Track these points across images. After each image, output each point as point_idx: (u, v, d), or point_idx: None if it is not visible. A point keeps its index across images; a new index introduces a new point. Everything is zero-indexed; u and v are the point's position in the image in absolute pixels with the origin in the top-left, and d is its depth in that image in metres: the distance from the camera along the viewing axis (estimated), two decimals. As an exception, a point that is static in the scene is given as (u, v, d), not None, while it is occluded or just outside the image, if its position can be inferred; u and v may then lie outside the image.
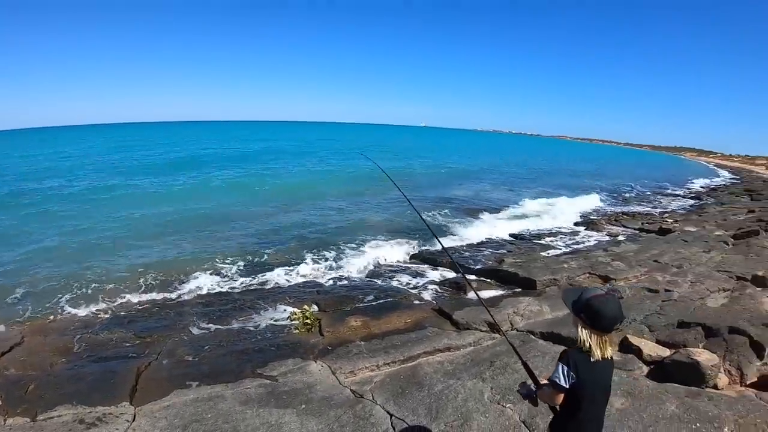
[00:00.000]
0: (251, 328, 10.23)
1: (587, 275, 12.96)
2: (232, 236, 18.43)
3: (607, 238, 21.04)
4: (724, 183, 63.71)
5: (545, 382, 3.56)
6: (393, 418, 5.86)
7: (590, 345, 3.27)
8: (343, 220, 22.00)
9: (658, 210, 32.11)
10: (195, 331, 10.09)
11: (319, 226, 20.68)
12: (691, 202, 38.89)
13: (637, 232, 22.39)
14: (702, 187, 54.51)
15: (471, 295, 11.85)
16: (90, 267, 14.35)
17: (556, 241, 20.11)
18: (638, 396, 6.20)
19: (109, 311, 11.33)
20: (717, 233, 20.56)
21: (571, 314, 3.46)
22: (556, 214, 26.86)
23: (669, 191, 46.80)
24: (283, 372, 7.52)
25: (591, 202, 33.60)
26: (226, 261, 15.11)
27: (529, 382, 3.76)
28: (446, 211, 25.73)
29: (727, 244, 18.04)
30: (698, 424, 5.50)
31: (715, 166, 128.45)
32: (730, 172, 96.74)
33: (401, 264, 15.49)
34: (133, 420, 6.08)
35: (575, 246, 19.07)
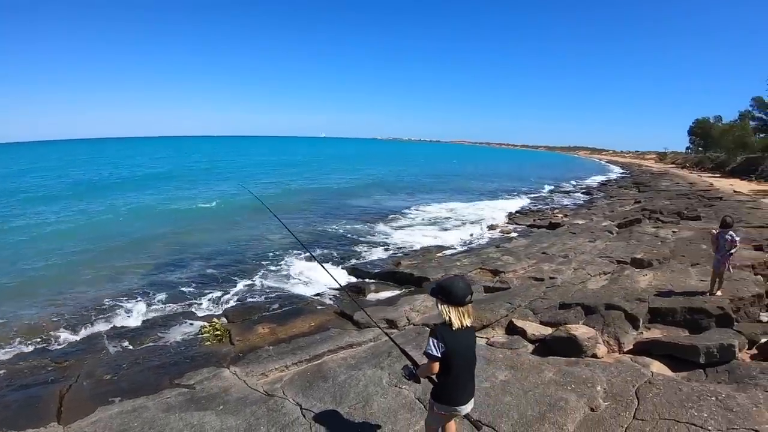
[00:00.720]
0: (165, 345, 10.55)
1: (479, 270, 13.99)
2: (133, 263, 18.23)
3: (501, 235, 22.39)
4: (614, 178, 67.74)
5: (425, 372, 4.34)
6: (302, 408, 6.39)
7: (450, 317, 4.09)
8: (243, 240, 22.13)
9: (551, 206, 34.10)
10: (111, 351, 10.31)
11: (219, 246, 20.78)
12: (583, 197, 41.46)
13: (529, 228, 23.94)
14: (593, 182, 57.87)
15: (370, 296, 12.66)
16: None
17: (452, 241, 21.12)
18: (520, 368, 7.04)
19: (24, 342, 11.21)
20: (603, 224, 22.35)
21: (434, 300, 4.29)
22: (453, 217, 28.16)
23: (562, 189, 49.64)
24: (200, 380, 7.85)
25: (487, 203, 35.33)
26: (133, 286, 15.12)
27: (410, 364, 4.54)
28: (345, 221, 26.37)
29: (612, 233, 19.67)
30: (573, 385, 6.38)
31: (607, 162, 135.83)
32: (621, 167, 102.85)
33: (304, 274, 15.90)
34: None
35: (470, 245, 20.21)
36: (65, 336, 11.49)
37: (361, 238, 21.89)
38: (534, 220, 25.98)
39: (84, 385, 8.55)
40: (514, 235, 22.07)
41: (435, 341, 4.11)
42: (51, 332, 11.75)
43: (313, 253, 10.92)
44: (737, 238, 9.86)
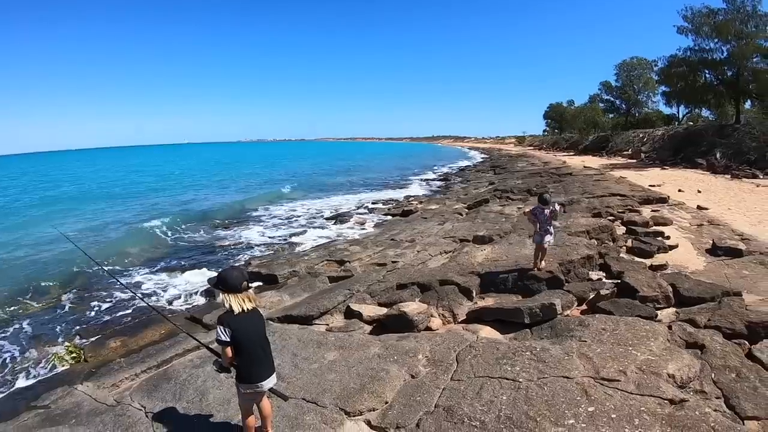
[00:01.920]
0: (21, 372, 10.44)
1: (325, 262, 14.34)
2: None
3: (355, 227, 22.91)
4: (473, 163, 70.60)
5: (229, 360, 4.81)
6: (145, 410, 6.66)
7: (230, 304, 4.66)
8: (64, 258, 21.35)
9: (407, 195, 35.02)
10: None
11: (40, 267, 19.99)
12: (440, 183, 43.07)
13: (384, 217, 24.62)
14: (452, 169, 60.09)
15: (220, 298, 12.74)
16: None
17: (304, 238, 21.40)
18: (348, 348, 7.51)
19: None
20: (455, 207, 23.41)
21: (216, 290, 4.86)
22: (308, 214, 28.55)
23: (420, 177, 51.27)
24: (54, 399, 7.89)
25: (344, 197, 36.02)
26: None
27: (218, 358, 5.01)
28: (201, 229, 26.08)
29: (461, 215, 20.70)
30: (396, 357, 6.90)
31: (468, 148, 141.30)
32: (481, 152, 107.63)
33: (156, 285, 15.71)
34: None
35: (322, 240, 20.50)
36: None
37: (216, 243, 21.82)
38: (389, 209, 26.74)
39: None
40: (368, 225, 22.68)
41: (221, 328, 4.66)
42: None
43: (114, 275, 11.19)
44: (557, 207, 10.21)
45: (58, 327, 13.15)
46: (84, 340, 11.67)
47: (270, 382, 4.90)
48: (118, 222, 30.10)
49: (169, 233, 25.02)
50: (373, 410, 5.74)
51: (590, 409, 5.04)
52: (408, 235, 16.88)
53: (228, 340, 4.62)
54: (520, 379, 5.74)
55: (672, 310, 8.60)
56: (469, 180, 41.75)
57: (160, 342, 10.24)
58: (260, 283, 13.76)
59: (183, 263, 18.15)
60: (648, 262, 11.59)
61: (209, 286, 5.08)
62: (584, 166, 39.54)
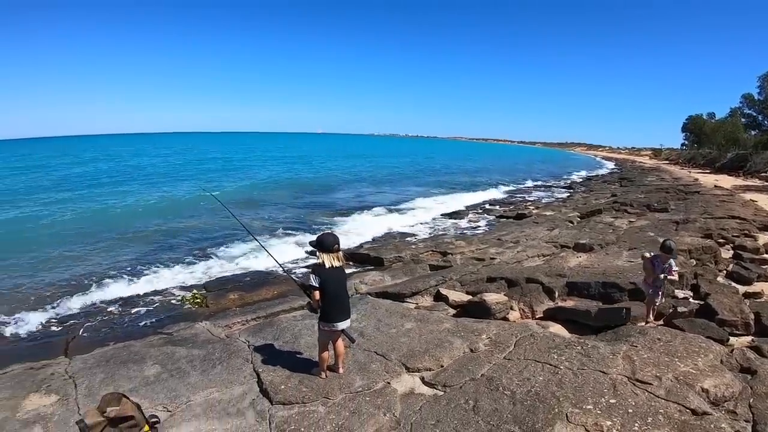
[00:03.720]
0: (154, 309, 12.72)
1: (430, 252, 15.44)
2: (113, 250, 20.00)
3: (467, 224, 23.76)
4: (603, 173, 69.11)
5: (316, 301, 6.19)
6: (249, 343, 8.13)
7: (323, 260, 6.06)
8: (215, 227, 23.80)
9: (527, 199, 35.49)
10: (105, 316, 12.35)
11: (204, 231, 22.73)
12: (563, 191, 42.83)
13: (498, 218, 25.28)
14: (580, 178, 59.19)
15: (317, 255, 14.31)
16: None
17: (418, 229, 22.67)
18: (425, 321, 8.58)
19: (38, 307, 13.27)
20: (569, 215, 23.58)
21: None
22: (428, 207, 29.61)
23: (546, 183, 50.93)
24: (176, 330, 9.59)
25: (465, 195, 36.80)
26: (127, 265, 17.21)
27: (309, 300, 6.41)
28: (330, 212, 28.33)
29: (572, 223, 21.04)
30: (463, 334, 7.88)
31: (602, 158, 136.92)
32: (614, 163, 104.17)
33: (281, 254, 17.63)
34: (69, 363, 7.91)
35: (434, 233, 21.66)
36: (72, 302, 13.44)
37: (337, 228, 23.41)
38: (504, 212, 27.41)
39: (86, 335, 10.90)
40: (481, 224, 23.51)
41: (313, 275, 6.07)
42: (60, 299, 13.69)
43: (258, 239, 12.83)
44: (676, 269, 9.00)
45: (191, 277, 15.51)
46: (208, 291, 13.72)
47: (344, 324, 6.23)
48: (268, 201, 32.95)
49: (303, 213, 27.08)
50: (429, 370, 6.73)
51: (612, 401, 5.61)
52: (514, 236, 17.56)
53: (316, 285, 6.02)
54: (561, 367, 6.45)
55: (748, 338, 8.59)
56: (592, 190, 41.27)
57: (271, 300, 11.92)
58: (369, 266, 15.21)
59: (303, 240, 19.89)
60: (743, 288, 11.41)
61: (311, 246, 6.33)
62: (715, 186, 37.69)
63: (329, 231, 6.73)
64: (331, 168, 67.02)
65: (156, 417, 5.77)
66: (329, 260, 6.12)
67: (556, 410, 5.40)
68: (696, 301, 10.25)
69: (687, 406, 5.53)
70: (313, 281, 6.08)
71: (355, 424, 5.41)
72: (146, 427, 5.49)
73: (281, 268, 8.47)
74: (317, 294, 6.12)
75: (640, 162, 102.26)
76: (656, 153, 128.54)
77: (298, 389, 6.24)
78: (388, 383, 6.37)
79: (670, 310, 9.56)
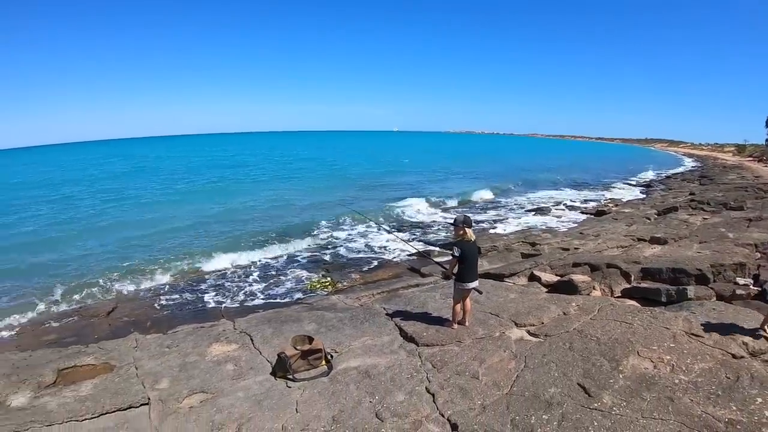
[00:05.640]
0: (293, 286, 15.63)
1: (520, 243, 17.52)
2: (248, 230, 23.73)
3: (551, 220, 25.57)
4: (683, 171, 68.34)
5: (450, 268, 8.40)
6: (384, 308, 10.41)
7: (466, 234, 8.08)
8: (332, 215, 26.86)
9: (607, 197, 36.63)
10: (253, 288, 15.52)
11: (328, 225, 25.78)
12: (642, 189, 43.52)
13: (580, 215, 26.94)
14: (659, 176, 58.98)
15: (434, 258, 16.49)
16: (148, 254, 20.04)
17: (506, 224, 24.71)
18: (525, 293, 10.83)
19: (178, 283, 16.88)
20: (647, 212, 24.92)
21: (457, 226, 8.29)
22: (515, 203, 31.59)
23: (625, 181, 51.26)
24: (315, 301, 12.12)
25: (549, 192, 38.43)
26: (256, 249, 20.55)
27: (442, 269, 8.92)
28: (427, 206, 31.22)
29: (649, 219, 22.51)
30: (557, 302, 9.99)
31: (683, 155, 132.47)
32: (695, 160, 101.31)
33: (385, 242, 20.76)
34: (234, 324, 10.41)
35: (520, 226, 23.82)
36: (216, 279, 16.87)
37: (433, 223, 26.07)
38: (585, 208, 29.06)
39: (239, 302, 14.05)
40: (563, 219, 25.32)
41: (456, 248, 8.08)
42: (199, 280, 16.90)
43: (388, 229, 15.69)
44: None
45: (319, 261, 18.31)
46: (330, 273, 16.52)
47: (474, 284, 8.32)
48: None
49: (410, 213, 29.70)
50: (533, 325, 8.83)
51: (671, 345, 7.53)
52: (595, 231, 19.37)
53: (458, 255, 8.04)
54: (634, 323, 8.41)
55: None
56: (671, 188, 41.83)
57: (389, 279, 14.44)
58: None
59: (409, 234, 22.45)
60: (801, 281, 12.75)
61: (452, 223, 8.58)
62: (796, 185, 37.54)
63: (467, 214, 8.85)
64: (427, 165, 68.99)
65: (330, 353, 8.11)
66: (470, 234, 8.16)
67: (630, 348, 7.43)
68: (755, 288, 11.51)
69: (728, 351, 7.36)
70: (456, 252, 8.08)
71: (485, 355, 7.62)
72: (325, 360, 7.87)
73: (419, 252, 10.91)
74: (455, 262, 8.19)
75: (722, 159, 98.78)
76: (740, 149, 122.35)
77: (435, 336, 8.49)
78: (503, 333, 8.50)
79: (729, 293, 11.15)
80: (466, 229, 8.13)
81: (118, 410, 7.42)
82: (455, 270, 8.35)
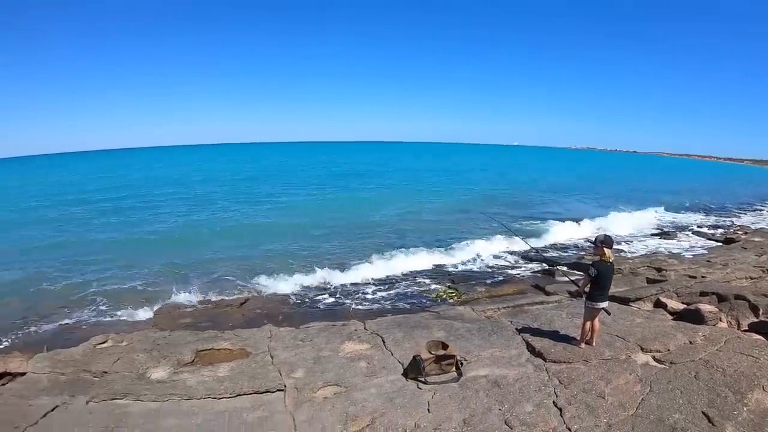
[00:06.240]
0: (415, 292, 16.47)
1: (645, 267, 17.32)
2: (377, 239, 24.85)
3: (677, 245, 25.01)
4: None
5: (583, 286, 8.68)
6: (511, 322, 10.87)
7: (605, 254, 8.30)
8: (458, 231, 27.56)
9: (738, 223, 35.06)
10: (380, 293, 16.53)
11: (443, 233, 26.66)
12: (774, 216, 41.14)
13: (707, 241, 26.15)
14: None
15: (557, 277, 16.76)
16: (277, 255, 21.85)
17: (631, 245, 24.35)
18: (650, 319, 10.98)
19: (308, 283, 18.01)
20: (781, 242, 23.93)
21: (596, 246, 8.55)
22: (637, 225, 30.91)
23: (757, 207, 48.46)
24: (442, 310, 12.68)
25: (675, 215, 37.17)
26: (383, 256, 21.41)
27: (575, 288, 9.04)
28: (550, 221, 31.24)
29: (782, 250, 21.62)
30: (683, 330, 10.04)
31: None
32: None
33: (508, 257, 21.24)
34: (364, 325, 11.21)
35: (645, 250, 23.42)
36: (337, 278, 18.38)
37: (557, 241, 26.13)
38: (712, 235, 28.05)
39: (367, 307, 14.88)
40: (688, 245, 24.65)
41: (593, 267, 8.34)
42: (329, 277, 18.46)
43: (529, 243, 16.16)
44: None
45: (445, 272, 19.03)
46: (455, 283, 17.02)
47: (605, 305, 8.58)
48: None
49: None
50: (658, 351, 8.99)
51: None
52: (723, 259, 18.85)
53: (593, 275, 8.33)
54: (761, 358, 8.35)
55: None
56: (812, 216, 39.24)
57: (513, 294, 14.77)
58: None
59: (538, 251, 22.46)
60: None
61: (591, 242, 9.52)
62: None
63: (608, 234, 9.14)
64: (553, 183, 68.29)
65: (461, 361, 8.64)
66: (609, 254, 8.39)
67: (755, 383, 7.50)
68: None
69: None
70: (592, 272, 8.37)
71: (611, 376, 7.90)
72: (456, 366, 8.41)
73: (555, 267, 11.12)
74: (589, 281, 8.49)
75: None
76: None
77: (563, 353, 8.85)
78: (629, 356, 8.73)
79: None
80: (605, 249, 8.36)
81: (255, 393, 8.25)
82: (587, 288, 8.62)
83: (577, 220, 31.52)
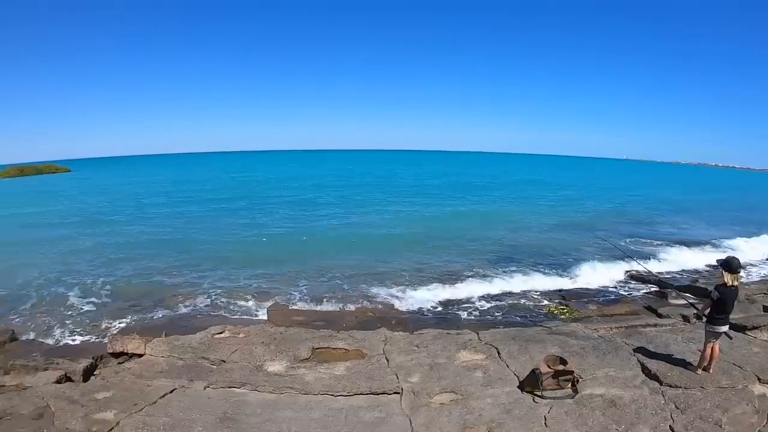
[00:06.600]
0: (526, 306, 16.86)
1: (763, 294, 16.83)
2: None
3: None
4: None
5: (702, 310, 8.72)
6: (626, 342, 10.91)
7: (726, 279, 8.25)
8: (572, 249, 27.38)
9: None
10: (491, 304, 17.04)
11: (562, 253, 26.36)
12: None
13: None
14: None
15: (671, 300, 16.66)
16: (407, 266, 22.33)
17: (748, 271, 23.29)
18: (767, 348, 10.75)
19: (420, 291, 18.56)
20: None
21: (719, 269, 8.51)
22: (760, 250, 29.59)
23: None
24: (554, 326, 12.86)
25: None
26: (493, 268, 21.90)
27: (696, 311, 9.16)
28: (662, 241, 30.53)
29: None
30: None
31: None
32: None
33: (619, 277, 21.08)
34: (478, 335, 11.63)
35: (764, 276, 22.55)
36: (451, 291, 18.51)
37: (670, 262, 25.21)
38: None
39: (471, 318, 15.36)
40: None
41: (715, 291, 8.36)
42: (441, 287, 18.83)
43: (642, 264, 16.17)
44: None
45: (556, 288, 19.20)
46: (566, 300, 17.14)
47: (725, 328, 8.57)
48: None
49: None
50: (778, 384, 8.87)
51: None
52: None
53: (715, 299, 8.34)
54: None
55: None
56: None
57: (626, 315, 14.69)
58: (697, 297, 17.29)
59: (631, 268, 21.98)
60: None
61: (717, 265, 8.71)
62: None
63: (734, 256, 8.92)
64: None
65: (577, 378, 8.89)
66: (730, 279, 8.30)
67: None
68: None
69: None
70: (714, 295, 8.38)
71: (728, 405, 7.92)
72: (573, 383, 8.69)
73: (674, 291, 11.19)
74: (710, 304, 8.49)
75: None
76: None
77: (679, 378, 8.90)
78: (746, 386, 8.67)
79: None
80: (729, 272, 8.28)
81: (372, 393, 8.75)
82: (707, 312, 8.64)
83: (692, 242, 30.46)
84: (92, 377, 10.24)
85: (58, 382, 9.40)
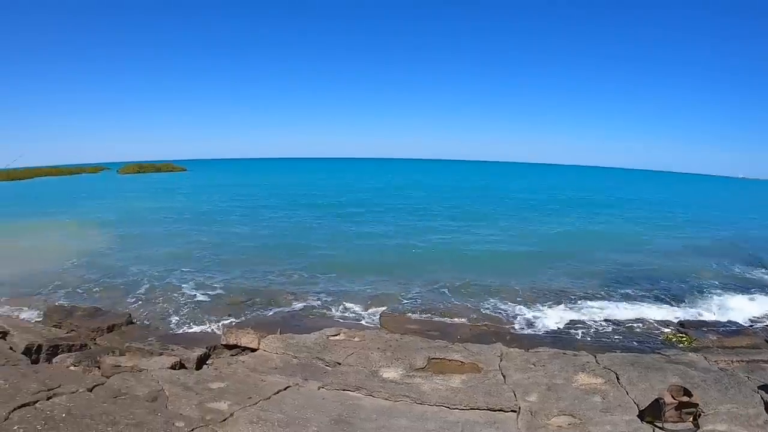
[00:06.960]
0: (643, 332, 16.36)
1: None
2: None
3: None
4: None
5: None
6: (749, 377, 10.52)
7: None
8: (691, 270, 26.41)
9: None
10: (604, 329, 16.58)
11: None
12: None
13: None
14: None
15: None
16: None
17: None
18: None
19: (535, 309, 18.37)
20: None
21: None
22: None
23: None
24: (674, 353, 12.52)
25: None
26: (608, 290, 21.45)
27: None
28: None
29: None
30: None
31: None
32: None
33: (740, 306, 19.95)
34: (596, 358, 11.46)
35: None
36: (566, 312, 18.21)
37: None
38: None
39: (591, 338, 15.33)
40: None
41: None
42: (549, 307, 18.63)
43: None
44: None
45: (672, 314, 18.47)
46: (686, 328, 16.41)
47: None
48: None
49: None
50: None
51: None
52: None
53: None
54: None
55: None
56: None
57: (746, 348, 14.08)
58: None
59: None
60: None
61: None
62: None
63: None
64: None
65: (700, 411, 8.73)
66: None
67: None
68: None
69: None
70: None
71: None
72: (694, 417, 8.57)
73: None
74: None
75: None
76: None
77: (805, 423, 8.63)
78: None
79: None
80: None
81: (489, 409, 8.80)
82: None
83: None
84: (205, 366, 10.84)
85: (173, 368, 9.95)
